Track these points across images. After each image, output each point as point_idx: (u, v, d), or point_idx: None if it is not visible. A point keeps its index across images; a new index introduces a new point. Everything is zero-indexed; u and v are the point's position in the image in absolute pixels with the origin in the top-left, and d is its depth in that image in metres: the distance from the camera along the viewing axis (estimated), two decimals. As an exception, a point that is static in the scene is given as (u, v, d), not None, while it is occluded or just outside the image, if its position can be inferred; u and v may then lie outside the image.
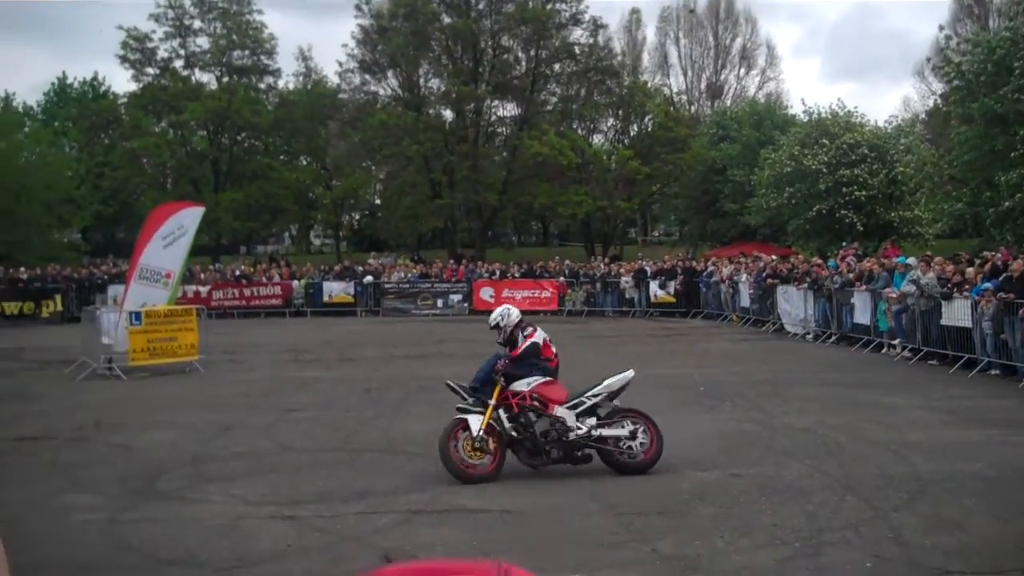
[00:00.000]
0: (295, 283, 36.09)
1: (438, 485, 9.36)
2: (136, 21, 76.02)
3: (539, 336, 10.18)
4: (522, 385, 9.77)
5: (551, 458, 9.68)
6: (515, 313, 10.50)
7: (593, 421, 9.73)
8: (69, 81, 71.14)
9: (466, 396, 9.84)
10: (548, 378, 10.01)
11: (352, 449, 11.26)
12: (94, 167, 59.81)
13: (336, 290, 35.97)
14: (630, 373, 10.06)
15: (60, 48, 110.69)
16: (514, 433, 9.59)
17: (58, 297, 33.75)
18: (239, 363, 20.56)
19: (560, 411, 9.70)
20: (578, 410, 9.75)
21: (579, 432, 9.63)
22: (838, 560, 6.95)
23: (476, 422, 9.47)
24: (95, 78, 70.67)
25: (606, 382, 9.97)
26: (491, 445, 9.53)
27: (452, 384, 10.03)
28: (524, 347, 10.00)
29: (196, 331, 19.71)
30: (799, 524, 7.80)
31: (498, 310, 10.58)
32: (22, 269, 36.66)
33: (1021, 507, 8.35)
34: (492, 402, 9.64)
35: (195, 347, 19.50)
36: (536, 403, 9.70)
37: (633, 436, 9.72)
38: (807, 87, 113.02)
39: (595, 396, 9.88)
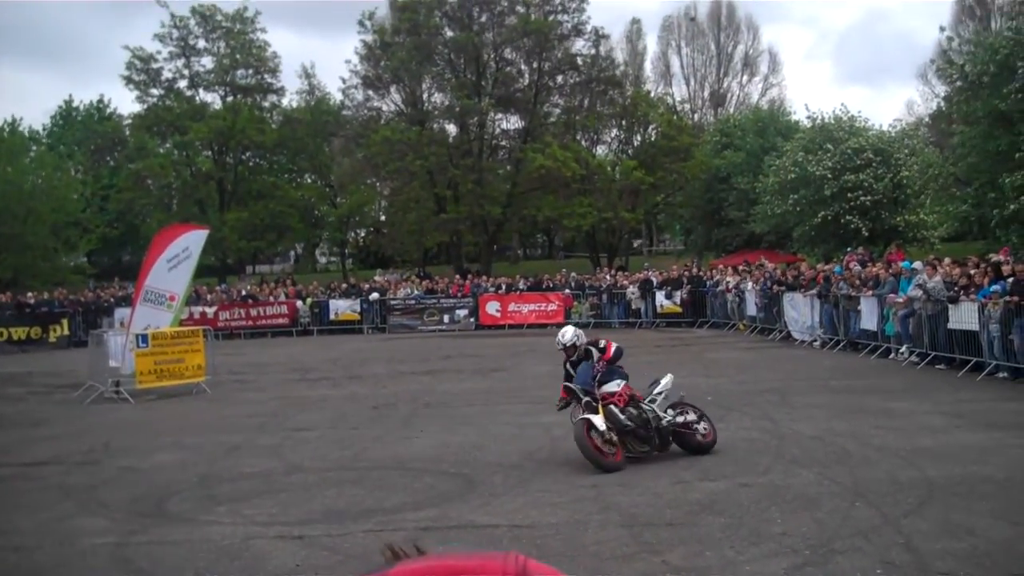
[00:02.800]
0: (299, 303, 36.09)
1: (447, 502, 9.37)
2: (141, 42, 76.37)
3: (614, 345, 11.32)
4: (613, 386, 10.88)
5: (654, 444, 10.83)
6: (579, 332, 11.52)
7: (672, 412, 11.04)
8: (75, 104, 71.48)
9: (581, 398, 10.75)
10: (626, 380, 11.13)
11: (360, 467, 11.25)
12: (100, 190, 59.83)
13: (342, 308, 35.96)
14: (671, 376, 11.58)
15: (68, 72, 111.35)
16: (629, 423, 10.55)
17: (65, 321, 33.77)
18: (246, 383, 20.57)
19: (647, 405, 10.94)
20: (655, 404, 11.01)
21: (667, 420, 10.88)
22: (848, 568, 6.92)
23: (599, 420, 10.40)
24: (100, 100, 71.14)
25: (662, 382, 11.39)
26: (614, 438, 10.44)
27: (572, 386, 10.92)
28: (614, 351, 11.17)
29: (203, 352, 19.75)
30: (809, 532, 7.78)
31: (571, 331, 11.48)
32: (29, 294, 36.75)
33: (1032, 511, 8.29)
34: (588, 403, 10.64)
35: (202, 368, 19.56)
36: (632, 399, 10.86)
37: (699, 421, 11.14)
38: (818, 92, 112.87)
39: (659, 394, 11.20)
